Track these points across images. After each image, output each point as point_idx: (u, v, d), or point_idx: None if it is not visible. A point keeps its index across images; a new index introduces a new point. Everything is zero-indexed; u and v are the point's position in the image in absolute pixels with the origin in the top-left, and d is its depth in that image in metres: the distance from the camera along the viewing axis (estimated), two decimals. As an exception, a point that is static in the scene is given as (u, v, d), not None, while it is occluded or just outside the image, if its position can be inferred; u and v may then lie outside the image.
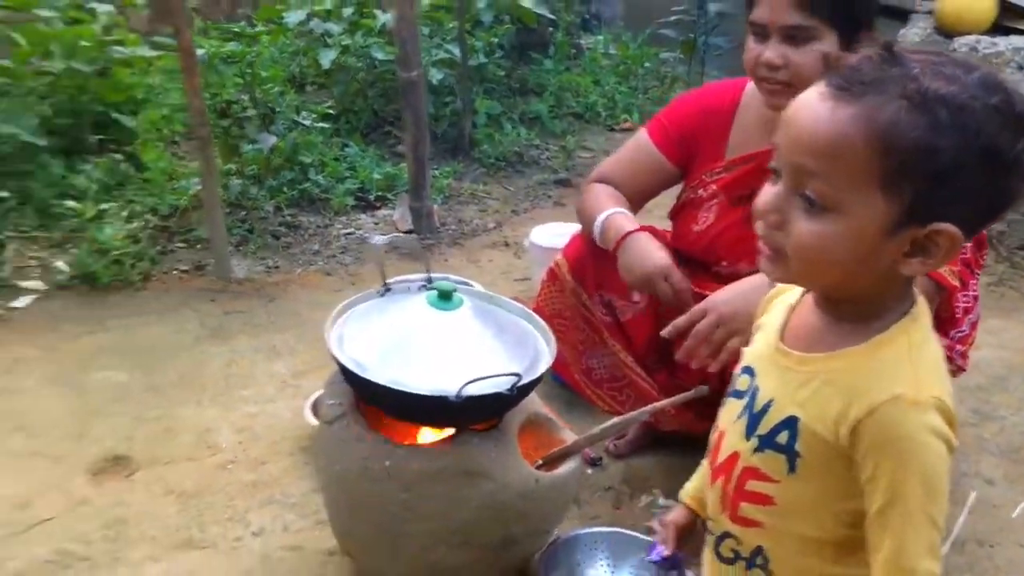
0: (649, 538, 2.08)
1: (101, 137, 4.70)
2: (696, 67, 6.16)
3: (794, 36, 2.03)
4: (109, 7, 5.08)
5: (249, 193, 4.23)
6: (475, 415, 1.92)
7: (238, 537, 2.37)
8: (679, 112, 2.45)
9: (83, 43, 4.63)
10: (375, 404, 1.98)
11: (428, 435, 2.05)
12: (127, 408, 2.92)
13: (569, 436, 2.16)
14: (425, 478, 1.93)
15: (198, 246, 4.05)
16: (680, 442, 2.62)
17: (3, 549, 2.31)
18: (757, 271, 2.17)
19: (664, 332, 2.10)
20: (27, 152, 4.30)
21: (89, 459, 2.67)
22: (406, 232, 4.24)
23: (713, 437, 1.41)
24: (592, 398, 2.59)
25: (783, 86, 2.08)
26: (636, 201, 2.47)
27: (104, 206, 4.06)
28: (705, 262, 2.42)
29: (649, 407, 2.07)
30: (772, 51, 2.06)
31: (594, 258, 2.43)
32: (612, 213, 2.33)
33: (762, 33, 2.08)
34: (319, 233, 4.23)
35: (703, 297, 2.11)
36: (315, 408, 2.76)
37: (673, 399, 2.04)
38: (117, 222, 3.92)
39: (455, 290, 1.99)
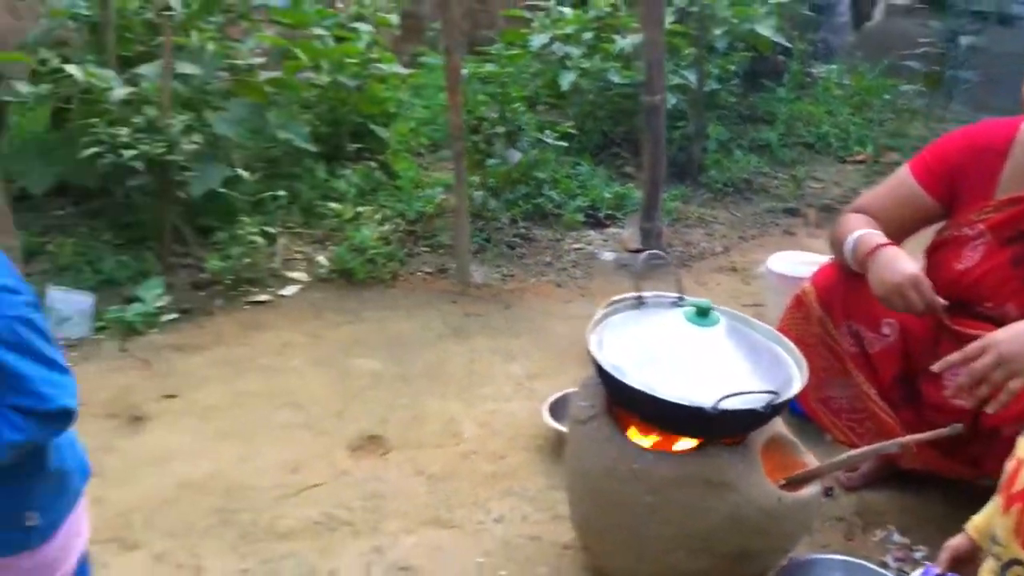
0: (886, 572, 2.10)
1: (358, 146, 5.12)
2: (938, 101, 5.94)
3: None
4: (369, 27, 5.53)
5: (488, 205, 4.49)
6: (726, 429, 2.00)
7: (480, 521, 2.56)
8: (945, 149, 2.43)
9: (349, 60, 5.08)
10: (628, 408, 2.10)
11: (676, 443, 2.14)
12: (380, 394, 3.20)
13: (811, 460, 2.20)
14: (671, 484, 2.03)
15: (440, 251, 4.34)
16: (917, 479, 2.59)
17: (278, 508, 2.60)
18: (1025, 314, 2.14)
19: (935, 367, 2.09)
20: (296, 157, 4.77)
21: (349, 436, 2.95)
22: (634, 251, 4.35)
23: (1009, 466, 1.43)
24: (828, 427, 2.59)
25: None
26: (894, 236, 2.45)
27: (360, 209, 4.43)
28: (966, 302, 2.38)
29: (905, 439, 2.07)
30: None
31: (844, 287, 2.44)
32: (864, 232, 2.34)
33: None
34: (551, 246, 4.43)
35: (968, 336, 2.09)
36: (552, 410, 2.92)
37: (927, 435, 2.04)
38: (371, 224, 4.28)
39: (712, 308, 2.08)
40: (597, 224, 4.68)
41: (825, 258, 3.20)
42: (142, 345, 3.47)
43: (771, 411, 1.94)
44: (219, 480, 2.71)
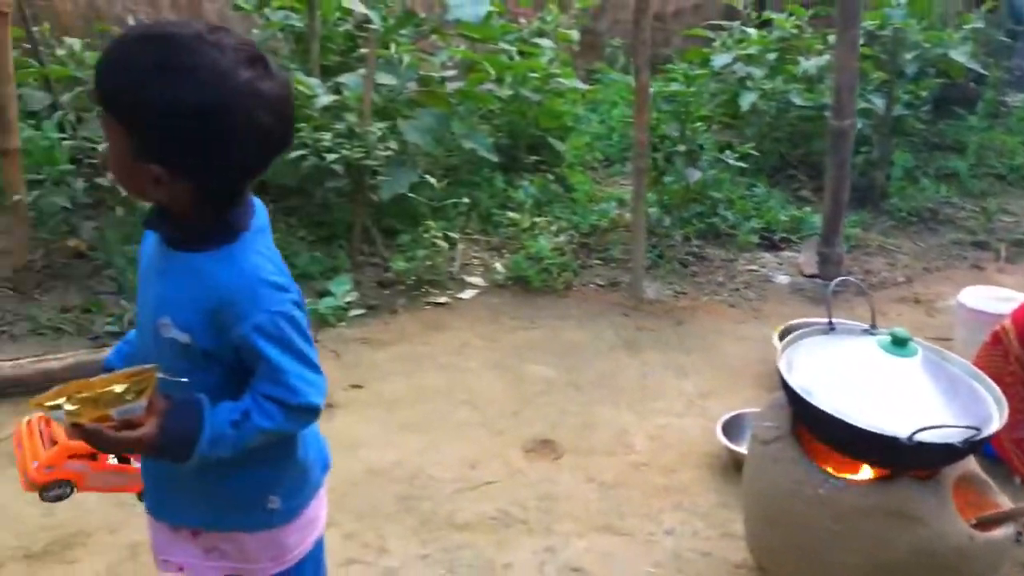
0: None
1: (535, 158, 5.26)
2: None
3: None
4: (550, 42, 5.67)
5: (663, 222, 4.52)
6: (920, 461, 1.98)
7: (651, 532, 2.60)
8: None
9: (532, 74, 5.22)
10: (816, 432, 2.10)
11: (862, 471, 2.13)
12: (553, 399, 3.29)
13: (1005, 501, 2.13)
14: (858, 512, 2.01)
15: (612, 264, 4.41)
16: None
17: (456, 501, 2.73)
18: None
19: None
20: (477, 166, 4.95)
21: (523, 438, 3.05)
22: (810, 276, 4.29)
23: None
24: (1019, 468, 2.50)
25: None
26: None
27: (536, 219, 4.56)
28: None
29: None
30: None
31: (1051, 327, 2.36)
32: None
33: None
34: (724, 266, 4.42)
35: None
36: (725, 430, 2.93)
37: None
38: (547, 234, 4.39)
39: (911, 339, 2.06)
40: (772, 247, 4.63)
41: (1022, 295, 3.09)
42: (332, 337, 3.69)
43: (968, 447, 1.91)
44: (402, 469, 2.87)
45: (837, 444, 2.08)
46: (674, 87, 4.19)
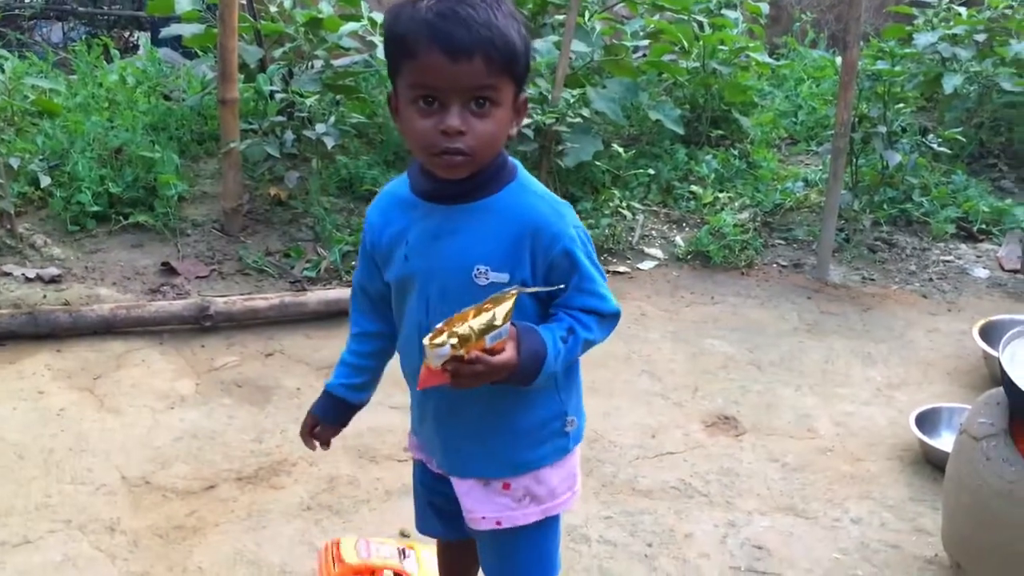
0: None
1: (719, 132, 5.18)
2: None
3: None
4: (737, 14, 5.54)
5: (853, 205, 4.38)
6: None
7: (837, 518, 2.56)
8: None
9: (721, 47, 5.13)
10: (1036, 431, 2.01)
11: (1083, 478, 2.02)
12: (733, 375, 3.27)
13: None
14: (1076, 518, 1.92)
15: (795, 245, 4.31)
16: None
17: (637, 467, 2.76)
18: None
19: None
20: (660, 137, 4.93)
21: (703, 411, 3.05)
22: (1011, 271, 4.06)
23: None
24: None
25: None
26: None
27: (719, 194, 4.50)
28: None
29: None
30: None
31: None
32: None
33: None
34: (915, 255, 4.25)
35: None
36: (918, 422, 2.84)
37: None
38: (729, 210, 4.33)
39: None
40: (969, 238, 4.41)
41: None
42: (514, 297, 3.77)
43: None
44: (585, 431, 2.92)
45: (1059, 446, 1.99)
46: (879, 66, 4.02)
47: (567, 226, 1.45)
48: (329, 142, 3.91)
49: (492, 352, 1.36)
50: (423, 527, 1.86)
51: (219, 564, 2.32)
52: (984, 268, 4.13)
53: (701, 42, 5.07)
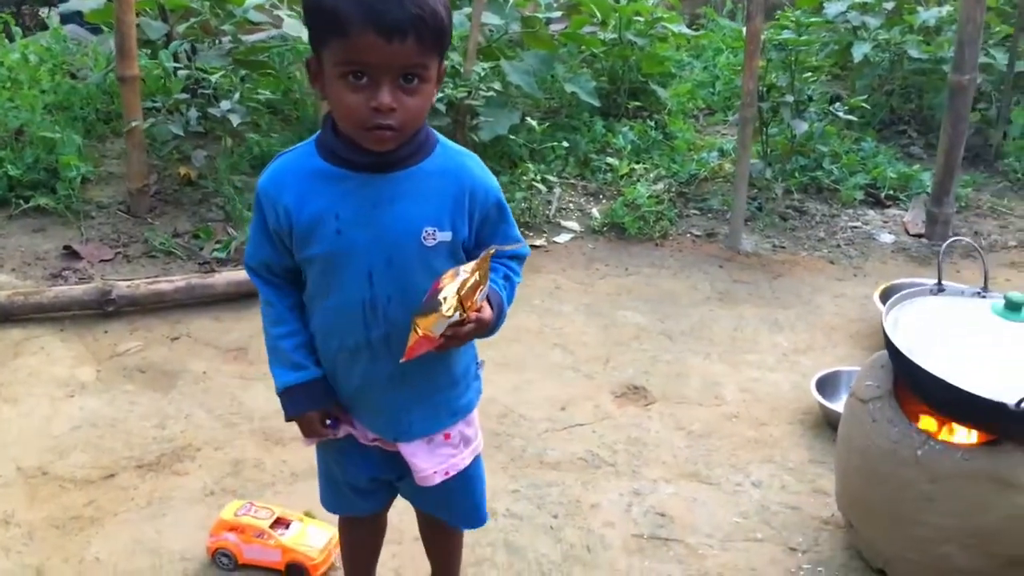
0: None
1: (636, 104, 5.20)
2: None
3: None
4: (656, -16, 5.55)
5: (765, 174, 4.43)
6: (1026, 428, 1.93)
7: (739, 483, 2.61)
8: None
9: (637, 18, 5.14)
10: (918, 393, 2.06)
11: (960, 434, 2.09)
12: (644, 346, 3.30)
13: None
14: (955, 476, 1.98)
15: (709, 215, 4.36)
16: None
17: (546, 440, 2.78)
18: None
19: None
20: (577, 110, 4.92)
21: (613, 383, 3.08)
22: (916, 235, 4.17)
23: None
24: None
25: None
26: None
27: (635, 166, 4.52)
28: None
29: None
30: None
31: None
32: None
33: None
34: (825, 221, 4.33)
35: None
36: (819, 387, 2.90)
37: None
38: (645, 182, 4.36)
39: (1025, 303, 2.00)
40: (877, 204, 4.50)
41: None
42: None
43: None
44: (494, 406, 2.92)
45: (940, 406, 2.05)
46: (785, 35, 4.07)
47: (493, 183, 1.56)
48: (235, 119, 3.83)
49: (478, 311, 1.45)
50: (337, 506, 1.86)
51: (117, 553, 2.28)
52: (890, 233, 4.23)
53: (617, 13, 5.08)
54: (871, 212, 4.44)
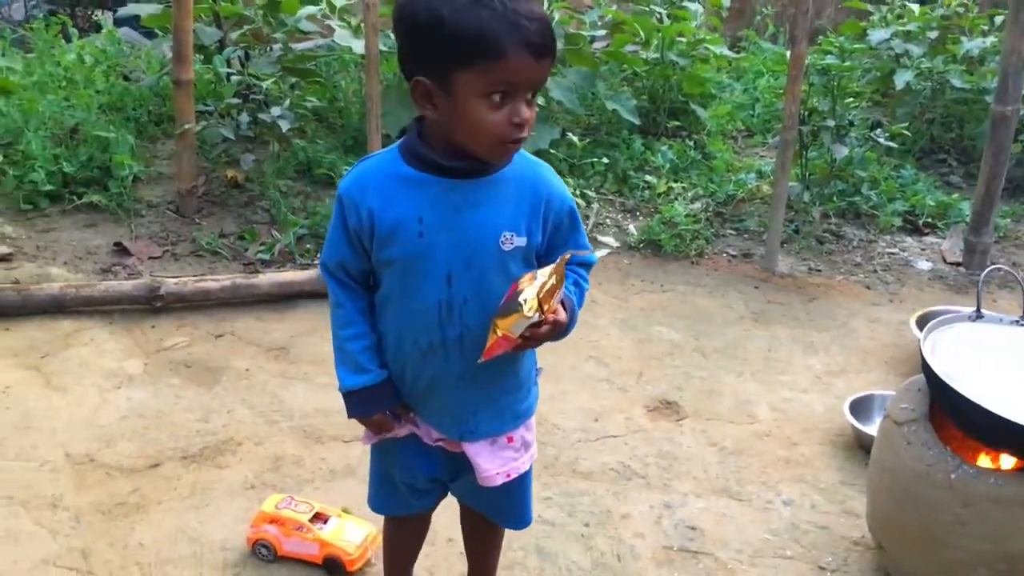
0: None
1: (675, 123, 5.24)
2: None
3: None
4: (699, 5, 5.60)
5: (803, 197, 4.46)
6: (1063, 456, 1.95)
7: (769, 501, 2.63)
8: None
9: (680, 38, 5.19)
10: (955, 419, 2.09)
11: (998, 461, 2.11)
12: (678, 362, 3.34)
13: None
14: (988, 500, 2.00)
15: (745, 235, 4.39)
16: None
17: (579, 451, 2.82)
18: None
19: None
20: (617, 127, 4.98)
21: (646, 397, 3.12)
22: (953, 264, 4.17)
23: None
24: None
25: None
26: None
27: (673, 184, 4.56)
28: None
29: None
30: None
31: None
32: None
33: None
34: (862, 247, 4.34)
35: None
36: (852, 409, 2.92)
37: None
38: (683, 200, 4.40)
39: (1067, 331, 2.02)
40: (915, 231, 4.51)
41: None
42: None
43: (1115, 447, 1.87)
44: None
45: (975, 431, 2.07)
46: (829, 60, 4.10)
47: (567, 189, 1.63)
48: (284, 125, 3.92)
49: (555, 313, 1.51)
50: (390, 506, 1.90)
51: (160, 540, 2.35)
52: (927, 261, 4.23)
53: (661, 34, 5.13)
54: (908, 239, 4.45)
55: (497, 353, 1.50)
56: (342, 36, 4.05)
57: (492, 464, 1.70)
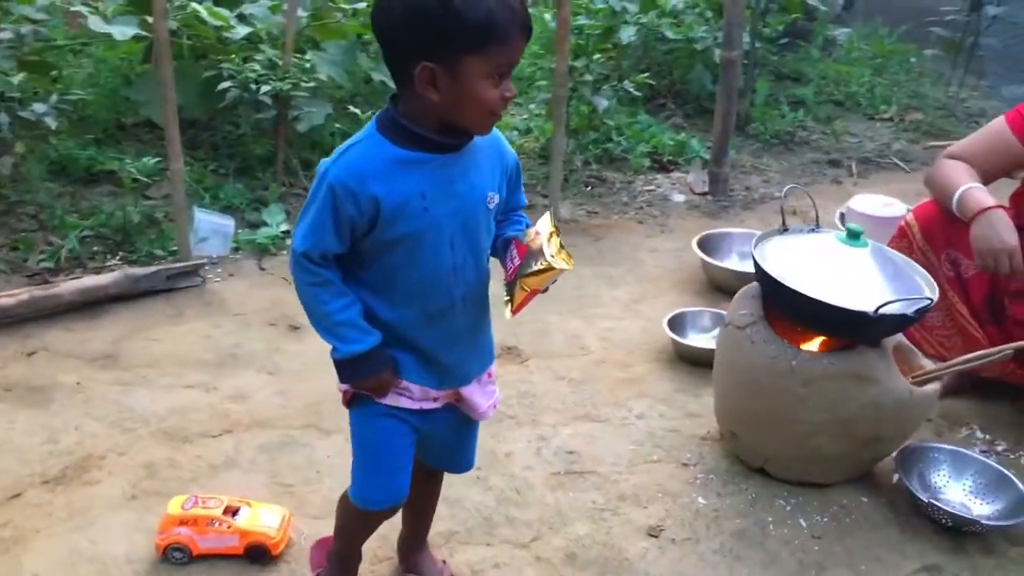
0: (983, 458, 2.53)
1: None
2: (961, 65, 6.33)
3: None
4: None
5: (565, 148, 4.82)
6: (880, 331, 2.41)
7: (624, 417, 2.96)
8: (1042, 107, 2.82)
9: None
10: (790, 314, 2.50)
11: (824, 345, 2.54)
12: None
13: (928, 364, 2.62)
14: (824, 377, 2.43)
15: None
16: (989, 389, 3.02)
17: (443, 402, 2.98)
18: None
19: None
20: (384, 98, 5.04)
21: (488, 346, 3.32)
22: (701, 194, 4.74)
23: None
24: (919, 342, 3.00)
25: None
26: (984, 180, 2.85)
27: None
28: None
29: (1018, 344, 2.50)
30: None
31: (945, 221, 2.83)
32: (970, 187, 2.72)
33: None
34: (624, 187, 4.80)
35: None
36: (670, 326, 3.31)
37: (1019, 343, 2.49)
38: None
39: (863, 232, 2.47)
40: (662, 169, 5.05)
41: (896, 201, 3.63)
42: (279, 264, 3.79)
43: (917, 316, 2.35)
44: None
45: (808, 322, 2.49)
46: (580, 20, 4.47)
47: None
48: (52, 123, 3.62)
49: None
50: (387, 495, 1.91)
51: (55, 567, 2.23)
52: (680, 193, 4.78)
53: None
54: (659, 176, 4.97)
55: (526, 304, 1.70)
56: (96, 23, 3.78)
57: (483, 399, 1.92)
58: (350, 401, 1.85)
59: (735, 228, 4.12)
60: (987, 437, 2.92)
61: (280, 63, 4.10)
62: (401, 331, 1.75)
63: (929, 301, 2.32)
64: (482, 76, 1.53)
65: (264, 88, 3.94)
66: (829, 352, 2.48)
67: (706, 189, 4.73)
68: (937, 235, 2.88)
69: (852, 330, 2.43)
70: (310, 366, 3.12)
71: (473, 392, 1.89)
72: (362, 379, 1.77)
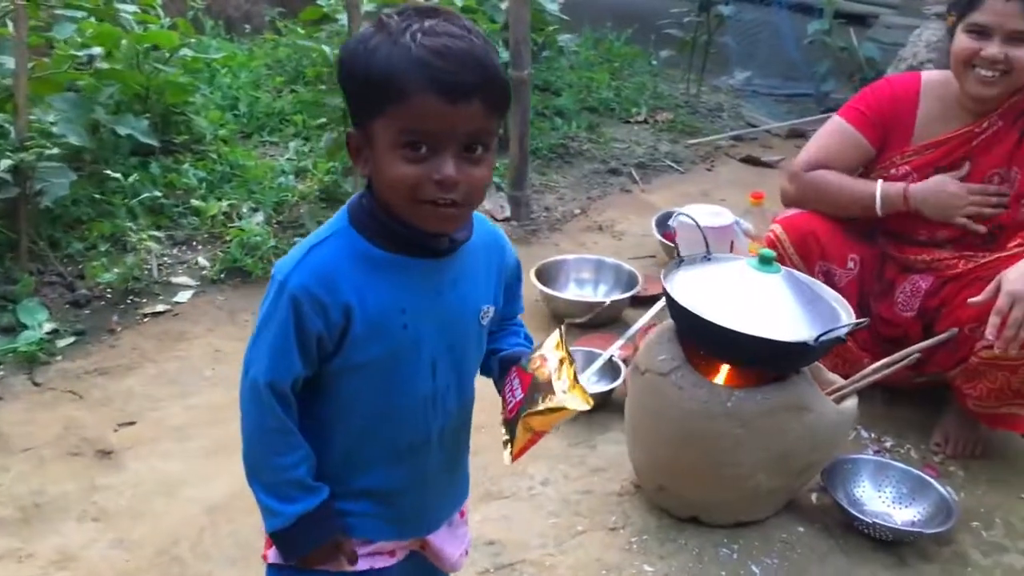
0: (907, 467, 2.52)
1: (185, 138, 4.77)
2: (697, 64, 6.63)
3: (1018, 39, 2.52)
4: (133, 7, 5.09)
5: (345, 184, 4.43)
6: (815, 358, 2.31)
7: (529, 487, 2.67)
8: (874, 99, 2.87)
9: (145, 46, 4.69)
10: (717, 352, 2.33)
11: (749, 379, 2.40)
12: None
13: (836, 378, 2.58)
14: (760, 414, 2.30)
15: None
16: (880, 393, 3.03)
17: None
18: (956, 236, 2.64)
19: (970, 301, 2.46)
20: (120, 153, 4.36)
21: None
22: (503, 220, 4.53)
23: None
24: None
25: (1000, 75, 2.56)
26: None
27: (219, 204, 4.18)
28: (901, 232, 2.87)
29: (920, 345, 2.51)
30: (995, 48, 2.53)
31: (818, 232, 2.82)
32: (878, 184, 2.78)
33: (983, 33, 2.55)
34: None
35: (908, 261, 2.80)
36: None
37: (932, 340, 2.52)
38: (246, 219, 4.06)
39: (775, 257, 2.36)
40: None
41: (725, 210, 3.63)
42: (57, 375, 3.10)
43: (843, 340, 2.27)
44: (243, 500, 2.56)
45: (739, 359, 2.34)
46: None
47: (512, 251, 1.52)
48: None
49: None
50: None
51: None
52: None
53: (130, 43, 4.56)
54: (455, 207, 4.70)
55: (530, 447, 1.37)
56: None
57: (454, 547, 1.58)
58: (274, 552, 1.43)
59: (562, 255, 3.96)
60: (872, 435, 2.95)
61: (13, 129, 3.36)
62: (354, 472, 1.39)
63: (865, 321, 2.25)
64: (389, 145, 1.20)
65: (3, 163, 3.19)
66: (760, 387, 2.35)
67: (507, 214, 4.53)
68: (811, 248, 2.85)
69: (788, 362, 2.31)
70: (143, 498, 2.55)
71: (442, 539, 1.55)
72: (313, 549, 1.38)
